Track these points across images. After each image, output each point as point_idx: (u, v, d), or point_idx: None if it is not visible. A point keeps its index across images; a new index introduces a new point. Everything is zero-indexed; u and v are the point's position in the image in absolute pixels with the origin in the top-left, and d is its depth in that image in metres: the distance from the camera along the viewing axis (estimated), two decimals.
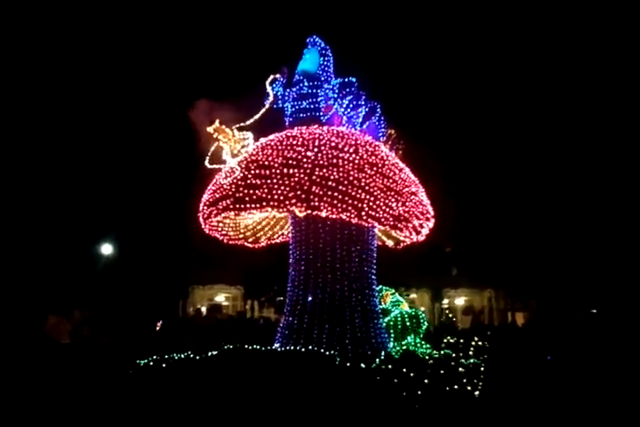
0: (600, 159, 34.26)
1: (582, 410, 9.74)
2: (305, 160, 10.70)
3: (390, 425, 8.83)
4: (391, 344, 12.05)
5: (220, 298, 39.21)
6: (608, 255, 32.16)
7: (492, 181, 34.92)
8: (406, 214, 10.98)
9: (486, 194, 34.56)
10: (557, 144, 35.13)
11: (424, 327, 12.54)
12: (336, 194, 10.34)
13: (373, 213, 10.51)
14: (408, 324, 12.39)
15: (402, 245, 13.22)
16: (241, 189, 10.65)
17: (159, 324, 20.85)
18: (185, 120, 12.16)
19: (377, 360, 10.02)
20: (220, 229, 12.60)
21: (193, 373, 9.64)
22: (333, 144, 11.09)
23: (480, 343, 12.57)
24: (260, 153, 11.14)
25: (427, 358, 10.31)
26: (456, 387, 9.62)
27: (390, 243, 13.53)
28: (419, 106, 34.50)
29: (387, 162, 11.42)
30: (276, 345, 11.43)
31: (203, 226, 12.07)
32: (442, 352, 11.04)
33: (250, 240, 13.53)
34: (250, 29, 40.00)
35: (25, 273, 27.63)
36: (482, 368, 10.65)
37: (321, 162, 10.67)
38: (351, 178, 10.57)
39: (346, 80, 12.49)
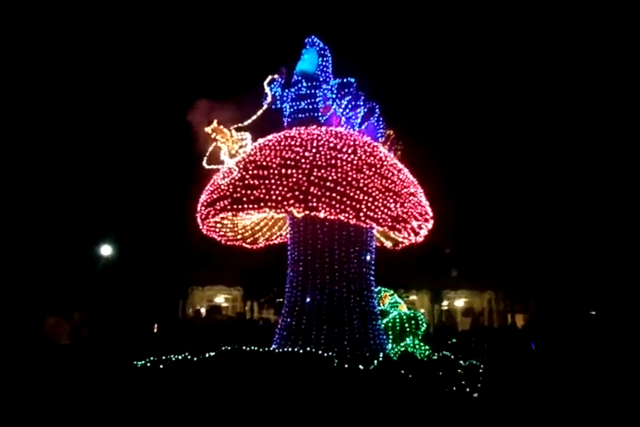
0: (600, 161, 34.22)
1: (582, 411, 9.69)
2: (303, 161, 10.65)
3: None
4: (390, 346, 12.00)
5: (220, 299, 39.19)
6: (607, 257, 32.11)
7: (491, 182, 34.89)
8: (405, 215, 10.94)
9: (486, 195, 34.53)
10: (557, 145, 35.10)
11: (423, 329, 12.49)
12: (334, 195, 10.31)
13: (372, 214, 10.47)
14: (407, 325, 12.33)
15: (400, 246, 13.18)
16: (239, 189, 10.62)
17: (155, 326, 20.86)
18: (183, 121, 12.13)
19: (375, 362, 9.98)
20: (217, 229, 12.55)
21: (190, 374, 9.59)
22: (332, 145, 11.04)
23: (479, 345, 12.50)
24: (258, 153, 11.09)
25: (425, 359, 10.28)
26: (454, 388, 9.58)
27: (389, 244, 13.49)
28: (418, 106, 34.48)
29: (385, 163, 11.37)
30: (274, 346, 11.38)
31: (200, 227, 12.02)
32: (440, 354, 11.02)
33: (248, 241, 13.49)
34: (248, 30, 40.00)
35: (24, 274, 27.60)
36: (480, 370, 10.62)
37: (319, 162, 10.63)
38: (350, 179, 10.53)
39: (344, 80, 12.45)
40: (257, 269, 31.12)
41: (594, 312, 26.27)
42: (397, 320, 12.49)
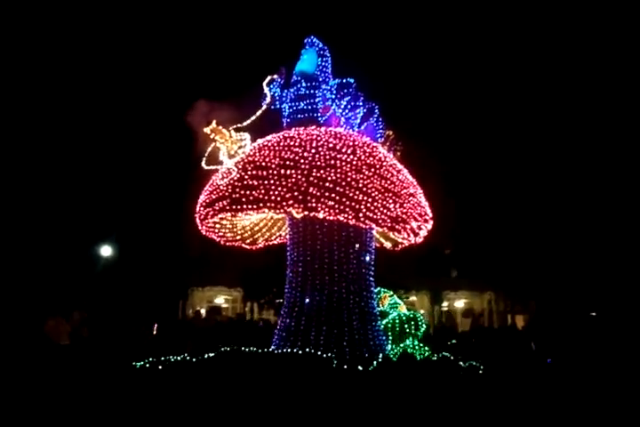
0: (600, 161, 34.19)
1: (582, 412, 9.67)
2: (302, 161, 10.63)
3: None
4: (389, 347, 11.96)
5: (220, 300, 39.15)
6: (608, 258, 32.08)
7: (491, 182, 34.86)
8: (404, 216, 10.91)
9: (486, 196, 34.50)
10: (557, 144, 35.07)
11: (422, 330, 12.45)
12: (333, 195, 10.29)
13: (371, 215, 10.45)
14: (406, 326, 12.30)
15: (400, 246, 13.15)
16: (237, 189, 10.59)
17: (155, 327, 20.83)
18: (183, 121, 12.12)
19: (374, 363, 9.95)
20: (217, 230, 12.53)
21: (189, 375, 9.57)
22: (331, 145, 11.02)
23: (480, 346, 12.47)
24: (257, 154, 11.07)
25: (424, 360, 10.26)
26: (454, 390, 9.55)
27: (388, 245, 13.47)
28: (417, 106, 34.46)
29: (385, 163, 11.35)
30: (273, 347, 11.35)
31: (199, 227, 12.00)
32: (440, 355, 10.99)
33: (247, 242, 13.46)
34: (248, 30, 39.99)
35: (25, 275, 27.60)
36: (480, 371, 10.60)
37: (318, 163, 10.61)
38: (349, 179, 10.51)
39: (344, 81, 12.43)
40: (257, 270, 31.08)
41: (594, 313, 26.24)
42: (397, 321, 12.45)
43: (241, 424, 8.39)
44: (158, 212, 32.43)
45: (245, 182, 10.61)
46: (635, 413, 9.52)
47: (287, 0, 39.16)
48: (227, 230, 12.80)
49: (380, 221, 10.59)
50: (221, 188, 10.88)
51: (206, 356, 10.09)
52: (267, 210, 10.52)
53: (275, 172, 10.55)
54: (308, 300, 11.40)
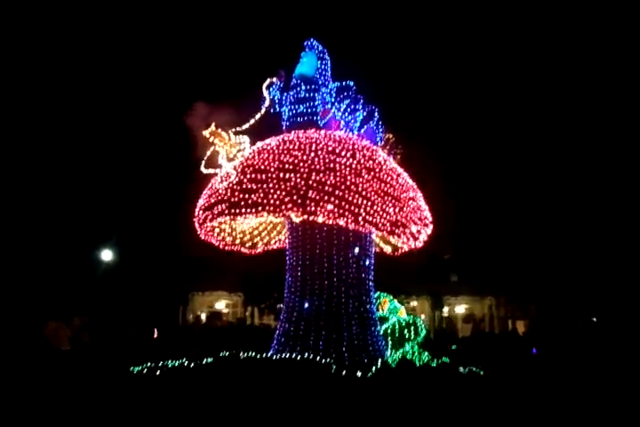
0: (600, 166, 34.13)
1: (582, 416, 9.60)
2: (301, 165, 10.58)
3: None
4: (389, 352, 11.88)
5: (220, 305, 39.04)
6: (608, 263, 32.00)
7: (491, 187, 34.78)
8: (404, 220, 10.86)
9: (486, 201, 34.42)
10: (558, 151, 35.02)
11: (422, 335, 12.37)
12: (333, 199, 10.21)
13: (371, 219, 10.40)
14: (406, 331, 12.22)
15: (400, 251, 13.06)
16: (236, 193, 10.54)
17: (155, 331, 20.80)
18: (182, 125, 12.05)
19: (373, 369, 9.87)
20: (216, 234, 12.46)
21: (187, 381, 9.50)
22: (330, 148, 10.97)
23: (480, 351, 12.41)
24: (257, 157, 11.01)
25: (424, 366, 10.19)
26: (454, 396, 9.47)
27: (388, 249, 13.39)
28: (417, 109, 34.42)
29: (384, 167, 11.30)
30: (272, 352, 11.27)
31: (198, 231, 11.93)
32: (439, 361, 10.92)
33: (246, 246, 13.39)
34: (247, 33, 39.99)
35: (25, 279, 27.54)
36: (480, 376, 10.53)
37: (318, 167, 10.56)
38: (348, 183, 10.46)
39: (343, 84, 12.38)
40: (258, 275, 31.02)
41: (595, 319, 26.16)
42: (396, 326, 12.38)
43: None
44: (159, 216, 32.36)
45: (244, 186, 10.56)
46: (635, 416, 9.46)
47: (286, 3, 39.12)
48: (226, 234, 12.73)
49: (380, 225, 10.53)
50: (220, 191, 10.82)
51: (204, 361, 10.02)
52: (266, 214, 10.46)
53: (274, 175, 10.50)
54: (307, 304, 11.32)
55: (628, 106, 34.31)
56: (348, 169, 10.66)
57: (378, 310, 12.57)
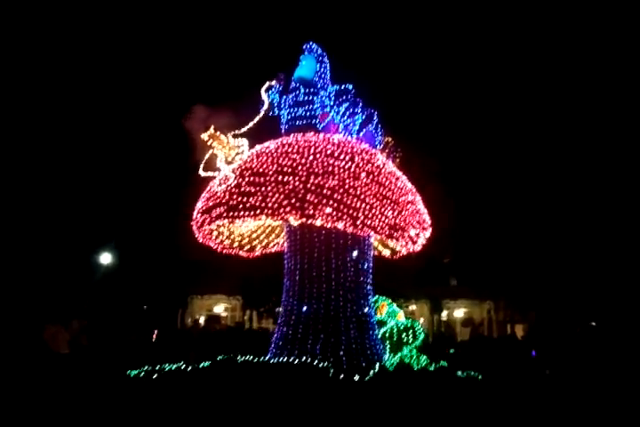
0: (600, 171, 34.13)
1: (580, 420, 9.57)
2: (300, 168, 10.55)
3: None
4: (387, 356, 11.84)
5: (219, 308, 39.04)
6: (607, 267, 31.97)
7: (491, 192, 34.78)
8: (402, 223, 10.82)
9: (486, 206, 34.42)
10: (557, 155, 35.03)
11: (420, 339, 12.33)
12: (331, 202, 10.18)
13: (369, 222, 10.35)
14: (404, 335, 12.17)
15: (398, 254, 13.03)
16: (235, 196, 10.50)
17: (155, 333, 20.76)
18: (181, 128, 12.03)
19: (371, 373, 9.83)
20: (214, 237, 12.41)
21: (184, 384, 9.46)
22: (329, 152, 10.94)
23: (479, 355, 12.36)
24: (255, 160, 10.98)
25: (422, 370, 10.15)
26: (451, 400, 9.43)
27: (387, 253, 13.36)
28: (416, 113, 34.47)
29: (383, 170, 11.27)
30: (270, 356, 11.24)
31: (196, 234, 11.89)
32: (437, 365, 10.88)
33: (245, 249, 13.34)
34: (246, 36, 40.05)
35: (25, 283, 27.51)
36: (478, 381, 10.49)
37: (316, 170, 10.53)
38: (347, 186, 10.42)
39: (342, 87, 12.34)
40: (256, 279, 31.00)
41: (594, 323, 26.14)
42: (395, 330, 12.33)
43: None
44: (158, 220, 32.35)
45: (243, 189, 10.52)
46: (634, 420, 9.44)
47: (286, 6, 39.19)
48: (224, 238, 12.70)
49: (378, 229, 10.50)
50: (218, 194, 10.79)
51: (201, 365, 9.99)
52: (264, 217, 10.41)
53: (272, 178, 10.47)
54: (305, 308, 11.28)
55: (626, 106, 34.29)
56: (346, 172, 10.63)
57: (376, 313, 12.54)
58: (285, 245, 12.15)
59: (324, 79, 12.57)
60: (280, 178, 10.44)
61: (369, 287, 11.88)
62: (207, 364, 9.99)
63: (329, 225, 10.40)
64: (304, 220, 10.34)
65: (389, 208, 10.68)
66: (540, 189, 34.46)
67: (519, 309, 36.24)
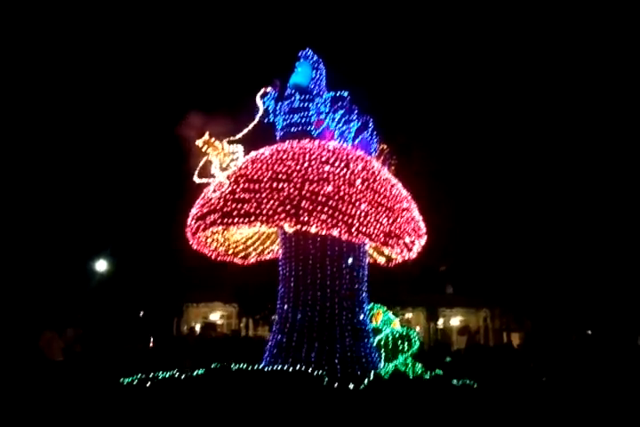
0: (595, 180, 34.16)
1: None
2: (295, 175, 10.51)
3: None
4: (382, 364, 11.79)
5: (215, 316, 38.96)
6: (603, 276, 31.97)
7: (487, 201, 34.77)
8: (397, 231, 10.78)
9: (482, 213, 34.41)
10: (553, 165, 35.06)
11: (416, 347, 12.28)
12: (326, 209, 10.14)
13: (364, 229, 10.30)
14: (399, 343, 12.12)
15: (394, 262, 12.98)
16: (229, 203, 10.46)
17: (152, 340, 20.72)
18: (177, 135, 12.02)
19: (366, 381, 9.77)
20: (208, 244, 12.35)
21: (178, 392, 9.40)
22: (324, 159, 10.92)
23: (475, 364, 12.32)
24: (250, 167, 10.94)
25: (417, 379, 10.11)
26: (447, 408, 9.38)
27: (382, 260, 13.31)
28: (412, 120, 34.47)
29: (378, 177, 11.25)
30: (264, 364, 11.18)
31: (191, 241, 11.83)
32: (433, 373, 10.83)
33: (239, 256, 13.28)
34: (242, 42, 40.11)
35: (19, 290, 27.44)
36: (474, 389, 10.44)
37: (311, 176, 10.50)
38: (342, 193, 10.38)
39: (338, 94, 12.32)
40: (252, 286, 30.91)
41: (589, 331, 26.12)
42: (390, 338, 12.28)
43: None
44: (154, 227, 32.28)
45: (237, 196, 10.48)
46: None
47: (282, 13, 39.27)
48: (219, 245, 12.64)
49: (373, 236, 10.46)
50: (213, 201, 10.75)
51: (195, 373, 9.93)
52: (258, 224, 10.36)
53: (267, 185, 10.43)
54: (299, 315, 11.23)
55: (624, 109, 34.34)
56: (341, 179, 10.60)
57: (371, 321, 12.49)
58: (280, 251, 12.10)
59: (319, 86, 12.55)
60: (275, 185, 10.39)
61: (364, 295, 11.83)
62: (201, 372, 9.93)
63: (324, 232, 10.35)
64: (299, 227, 10.30)
65: (384, 215, 10.65)
66: (535, 199, 34.47)
67: (515, 317, 36.24)
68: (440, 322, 39.55)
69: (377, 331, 12.58)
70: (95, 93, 34.85)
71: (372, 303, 12.72)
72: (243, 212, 10.27)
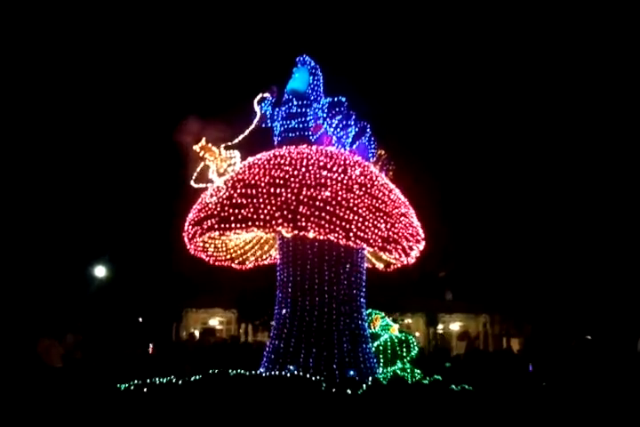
0: (593, 184, 34.18)
1: None
2: (292, 180, 10.51)
3: None
4: (380, 370, 11.77)
5: (214, 322, 38.94)
6: (603, 280, 31.95)
7: (486, 207, 34.79)
8: (395, 236, 10.78)
9: (481, 219, 34.44)
10: (552, 169, 35.09)
11: (414, 352, 12.26)
12: (324, 214, 10.14)
13: (362, 235, 10.31)
14: (398, 349, 12.11)
15: (392, 267, 12.96)
16: (226, 208, 10.46)
17: (151, 346, 20.69)
18: (174, 140, 12.00)
19: (364, 386, 9.75)
20: (205, 249, 12.34)
21: (175, 398, 9.37)
22: (322, 164, 10.92)
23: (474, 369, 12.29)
24: (247, 172, 10.95)
25: (416, 384, 10.08)
26: (446, 414, 9.35)
27: (380, 265, 13.29)
28: (410, 124, 34.53)
29: (376, 182, 11.25)
30: (262, 369, 11.15)
31: (188, 246, 11.83)
32: (431, 378, 10.81)
33: (237, 261, 13.27)
34: (239, 48, 40.16)
35: (18, 295, 27.40)
36: (473, 395, 10.41)
37: (309, 182, 10.49)
38: (339, 198, 10.38)
39: (335, 100, 12.32)
40: (252, 292, 30.91)
41: (589, 337, 26.02)
42: (388, 344, 12.28)
43: None
44: (152, 232, 32.28)
45: (234, 201, 10.48)
46: None
47: (279, 18, 39.34)
48: (216, 250, 12.62)
49: (371, 241, 10.46)
50: (210, 206, 10.76)
51: (193, 378, 9.90)
52: (255, 229, 10.37)
53: (264, 190, 10.42)
54: (297, 321, 11.22)
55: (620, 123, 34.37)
56: (339, 184, 10.59)
57: (370, 327, 12.47)
58: (278, 257, 12.09)
59: (316, 91, 12.55)
60: (272, 190, 10.39)
61: (362, 300, 11.80)
62: (199, 377, 9.91)
63: (321, 237, 10.35)
64: (296, 232, 10.29)
65: (382, 220, 10.64)
66: (533, 205, 34.50)
67: (515, 322, 36.20)
68: (440, 327, 39.51)
69: (375, 336, 12.57)
70: (92, 100, 34.91)
71: (369, 309, 12.72)
72: (240, 217, 10.27)
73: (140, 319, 32.30)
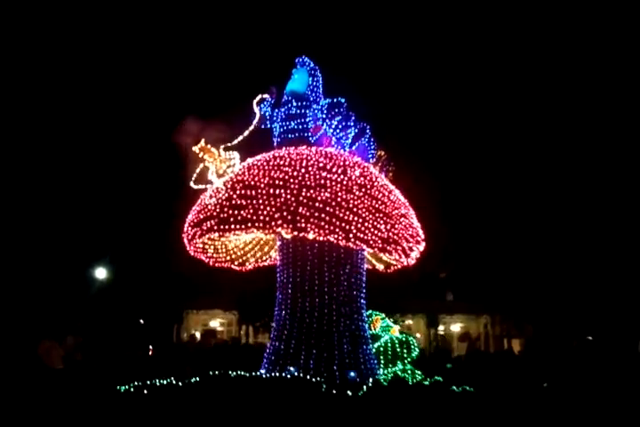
0: (593, 184, 34.16)
1: None
2: (292, 181, 10.50)
3: None
4: (381, 371, 11.75)
5: (215, 323, 38.90)
6: (604, 281, 31.92)
7: (487, 207, 34.77)
8: (395, 237, 10.75)
9: (482, 220, 34.41)
10: (552, 169, 35.07)
11: (415, 353, 12.24)
12: (323, 215, 10.13)
13: (362, 236, 10.29)
14: (398, 350, 12.09)
15: (392, 268, 12.93)
16: (226, 209, 10.45)
17: (151, 349, 20.65)
18: (173, 141, 12.00)
19: (365, 388, 9.73)
20: (205, 250, 12.32)
21: (176, 399, 9.36)
22: (321, 165, 10.90)
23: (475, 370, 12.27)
24: (247, 173, 10.94)
25: (416, 385, 10.07)
26: (446, 415, 9.34)
27: (381, 266, 13.27)
28: (410, 125, 34.51)
29: (376, 183, 11.23)
30: (263, 371, 11.14)
31: (187, 248, 11.81)
32: (432, 379, 10.79)
33: (237, 263, 13.24)
34: (238, 49, 40.15)
35: (18, 297, 27.39)
36: (474, 396, 10.39)
37: (308, 183, 10.48)
38: (339, 199, 10.37)
39: (335, 101, 12.31)
40: (252, 293, 30.89)
41: (590, 337, 26.01)
42: (389, 345, 12.26)
43: None
44: (153, 234, 32.26)
45: (234, 202, 10.47)
46: None
47: (278, 19, 39.36)
48: (216, 251, 12.60)
49: (371, 242, 10.44)
50: (209, 207, 10.74)
51: (193, 380, 9.89)
52: (255, 230, 10.35)
53: (264, 191, 10.41)
54: (297, 322, 11.20)
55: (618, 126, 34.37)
56: (339, 185, 10.58)
57: (370, 328, 12.45)
58: (278, 258, 12.07)
59: (316, 93, 12.53)
60: (272, 191, 10.38)
61: (362, 301, 11.77)
62: (199, 378, 9.89)
63: (321, 238, 10.34)
64: (296, 233, 10.28)
65: (382, 221, 10.62)
66: (534, 205, 34.47)
67: (516, 323, 36.17)
68: (440, 328, 39.47)
69: (376, 337, 12.55)
70: (91, 101, 34.91)
71: (370, 311, 12.70)
72: (239, 218, 10.26)
73: (141, 321, 32.28)
